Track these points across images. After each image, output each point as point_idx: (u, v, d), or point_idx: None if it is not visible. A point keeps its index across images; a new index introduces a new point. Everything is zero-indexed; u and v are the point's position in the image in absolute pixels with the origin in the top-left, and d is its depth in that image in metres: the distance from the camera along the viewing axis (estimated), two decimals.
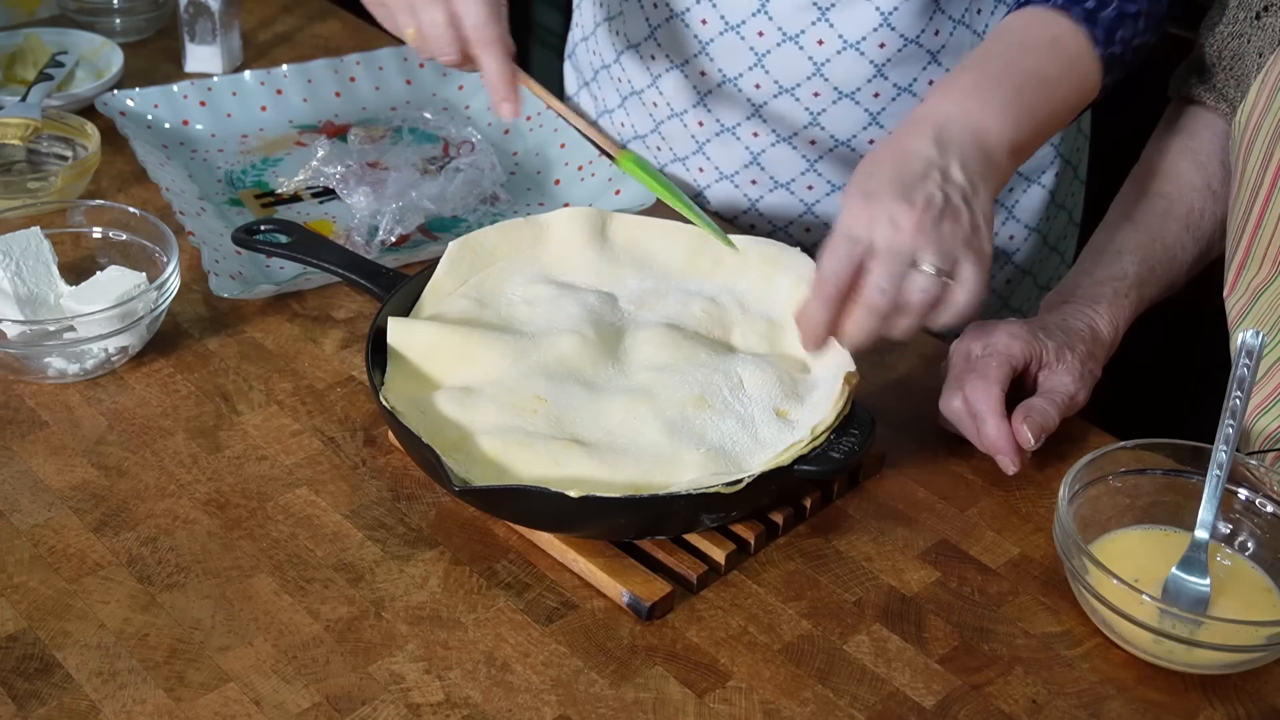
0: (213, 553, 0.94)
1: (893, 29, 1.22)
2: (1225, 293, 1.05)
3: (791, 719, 0.85)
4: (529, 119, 1.43)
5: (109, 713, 0.83)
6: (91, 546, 0.94)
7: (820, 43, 1.23)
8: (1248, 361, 0.93)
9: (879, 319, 0.94)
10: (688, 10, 1.27)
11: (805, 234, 1.33)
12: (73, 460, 1.01)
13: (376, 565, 0.94)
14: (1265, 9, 1.06)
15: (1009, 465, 1.00)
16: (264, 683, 0.85)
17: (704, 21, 1.26)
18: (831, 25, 1.22)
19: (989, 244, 0.95)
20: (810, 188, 1.31)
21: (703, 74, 1.29)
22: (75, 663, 0.86)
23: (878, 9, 1.20)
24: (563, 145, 1.38)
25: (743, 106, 1.29)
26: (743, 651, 0.89)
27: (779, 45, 1.24)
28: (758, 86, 1.27)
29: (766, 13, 1.23)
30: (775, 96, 1.27)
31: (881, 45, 1.22)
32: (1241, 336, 0.94)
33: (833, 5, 1.21)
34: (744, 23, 1.24)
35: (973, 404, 1.00)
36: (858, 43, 1.22)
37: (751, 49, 1.25)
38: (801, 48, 1.23)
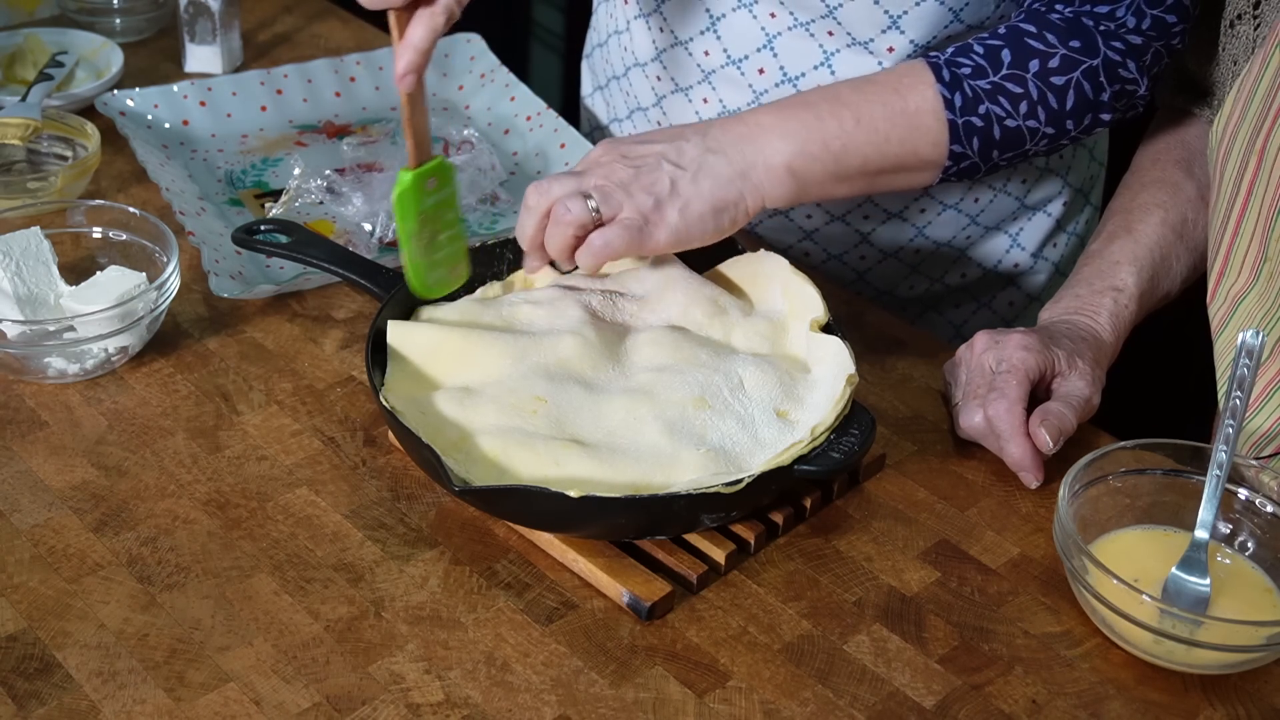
0: (213, 553, 0.94)
1: None
2: (1208, 300, 1.06)
3: (791, 719, 0.85)
4: (529, 119, 1.43)
5: (109, 713, 0.83)
6: (91, 546, 0.94)
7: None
8: (1248, 361, 0.93)
9: (538, 219, 1.03)
10: (691, 40, 1.27)
11: (804, 257, 1.33)
12: (73, 460, 1.01)
13: (376, 565, 0.94)
14: (1239, 17, 1.06)
15: (1032, 481, 1.02)
16: (264, 683, 0.85)
17: (706, 53, 1.26)
18: (833, 72, 1.21)
19: (667, 219, 1.02)
20: (809, 216, 1.30)
21: (705, 102, 1.29)
22: (75, 663, 0.86)
23: (880, 64, 1.19)
24: (563, 145, 1.38)
25: None
26: (743, 651, 0.89)
27: (777, 85, 1.24)
28: None
29: (771, 49, 1.23)
30: None
31: None
32: (1242, 336, 0.94)
33: (837, 52, 1.20)
34: (746, 58, 1.24)
35: (995, 424, 1.01)
36: None
37: (750, 86, 1.25)
38: (798, 90, 1.23)
